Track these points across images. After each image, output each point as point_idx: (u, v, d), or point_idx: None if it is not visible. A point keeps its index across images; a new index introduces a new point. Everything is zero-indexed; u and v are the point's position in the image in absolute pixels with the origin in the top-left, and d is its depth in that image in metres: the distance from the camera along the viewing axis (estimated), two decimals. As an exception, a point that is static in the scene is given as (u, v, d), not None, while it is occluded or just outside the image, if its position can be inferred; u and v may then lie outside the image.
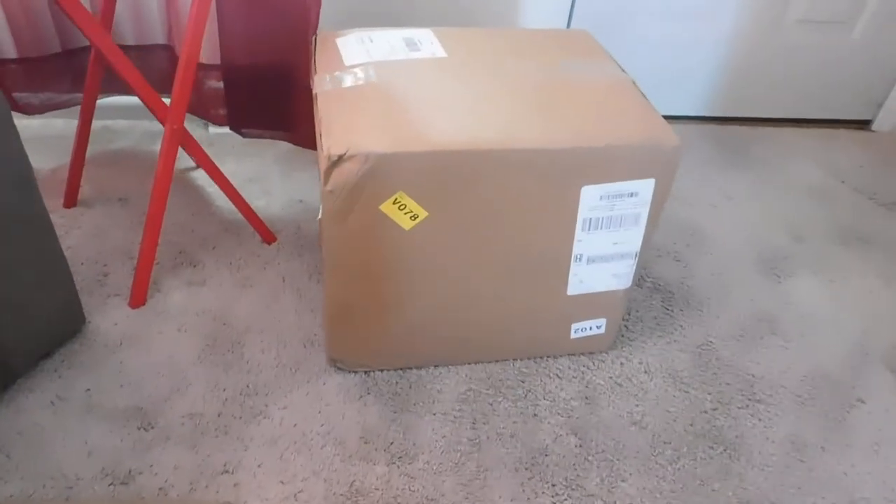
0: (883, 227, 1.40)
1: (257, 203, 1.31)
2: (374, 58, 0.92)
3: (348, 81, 0.88)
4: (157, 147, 1.09)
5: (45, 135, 1.46)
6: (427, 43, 0.97)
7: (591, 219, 0.87)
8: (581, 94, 0.89)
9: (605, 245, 0.91)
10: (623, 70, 0.96)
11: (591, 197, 0.85)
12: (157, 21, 1.31)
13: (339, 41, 0.97)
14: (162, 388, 0.97)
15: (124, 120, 1.51)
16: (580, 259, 0.91)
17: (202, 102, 1.28)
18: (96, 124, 1.49)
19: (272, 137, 1.32)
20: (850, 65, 1.62)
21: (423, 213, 0.82)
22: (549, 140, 0.81)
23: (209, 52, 1.22)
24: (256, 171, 1.40)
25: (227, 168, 1.39)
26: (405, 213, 0.82)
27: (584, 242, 0.90)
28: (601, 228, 0.89)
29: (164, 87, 1.28)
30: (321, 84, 0.88)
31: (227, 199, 1.19)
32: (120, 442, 0.90)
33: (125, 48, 1.34)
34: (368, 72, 0.89)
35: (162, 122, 1.00)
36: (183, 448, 0.90)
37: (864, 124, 1.73)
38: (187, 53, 0.93)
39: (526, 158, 0.80)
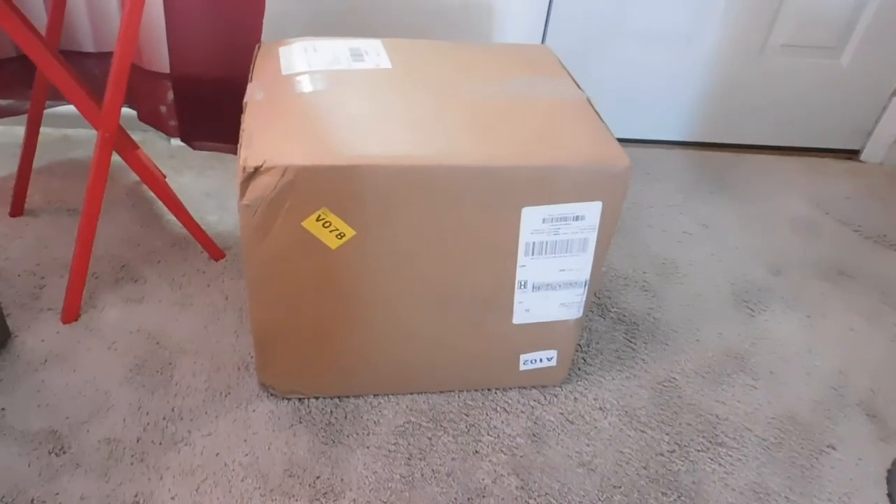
0: (867, 262, 1.34)
1: (210, 218, 1.26)
2: (313, 67, 0.88)
3: (281, 91, 0.83)
4: (116, 158, 1.04)
5: (2, 142, 1.42)
6: (373, 53, 0.92)
7: (534, 243, 0.81)
8: (529, 112, 0.84)
9: (550, 272, 0.85)
10: (580, 88, 0.91)
11: (532, 219, 0.79)
12: (116, 28, 1.27)
13: (282, 50, 0.93)
14: (81, 410, 0.91)
15: (85, 129, 1.47)
16: (524, 286, 0.85)
17: (156, 113, 1.24)
18: (55, 133, 1.45)
19: (225, 151, 1.27)
20: (837, 92, 1.56)
21: (350, 232, 0.77)
22: (485, 158, 0.75)
23: (162, 61, 1.18)
24: (215, 185, 1.35)
25: (184, 181, 1.35)
26: (330, 231, 0.76)
27: (527, 268, 0.84)
28: (546, 254, 0.83)
29: (128, 96, 1.25)
30: (252, 94, 0.83)
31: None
32: (27, 467, 0.84)
33: (84, 56, 1.31)
34: (304, 82, 0.84)
35: (96, 129, 0.95)
36: (93, 476, 0.83)
37: (852, 154, 1.66)
38: (119, 57, 0.89)
39: (459, 177, 0.75)
